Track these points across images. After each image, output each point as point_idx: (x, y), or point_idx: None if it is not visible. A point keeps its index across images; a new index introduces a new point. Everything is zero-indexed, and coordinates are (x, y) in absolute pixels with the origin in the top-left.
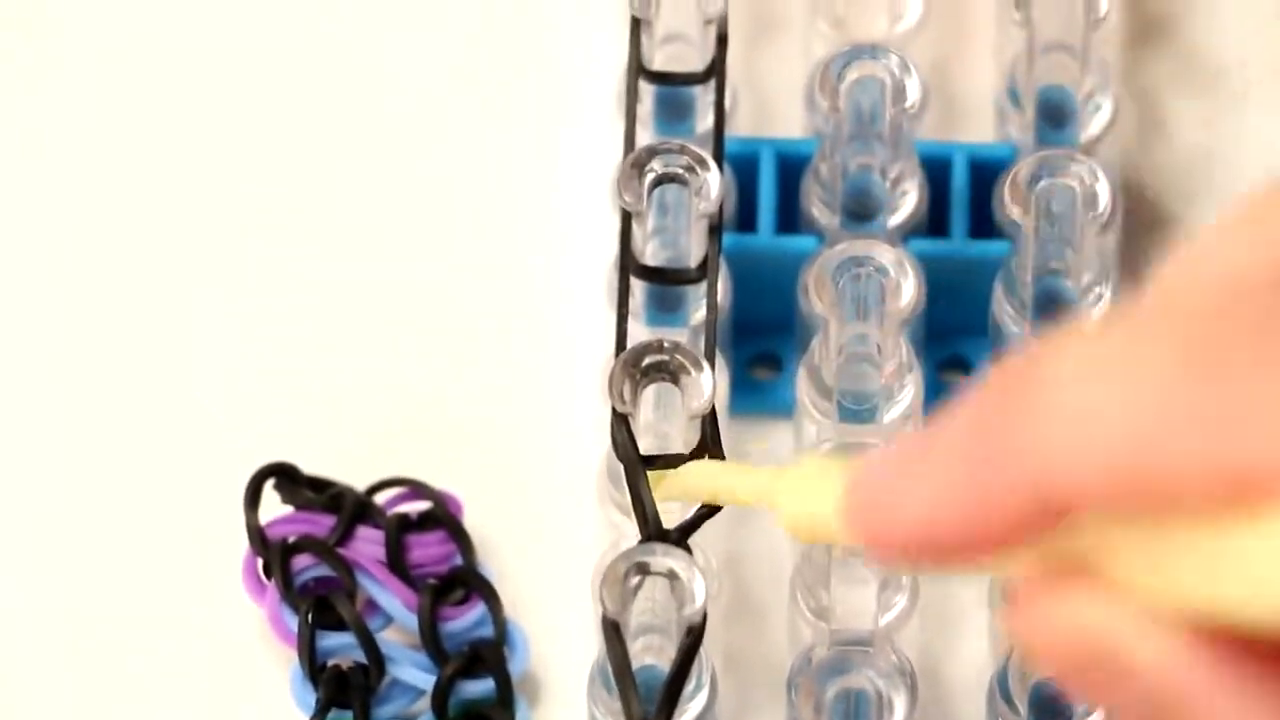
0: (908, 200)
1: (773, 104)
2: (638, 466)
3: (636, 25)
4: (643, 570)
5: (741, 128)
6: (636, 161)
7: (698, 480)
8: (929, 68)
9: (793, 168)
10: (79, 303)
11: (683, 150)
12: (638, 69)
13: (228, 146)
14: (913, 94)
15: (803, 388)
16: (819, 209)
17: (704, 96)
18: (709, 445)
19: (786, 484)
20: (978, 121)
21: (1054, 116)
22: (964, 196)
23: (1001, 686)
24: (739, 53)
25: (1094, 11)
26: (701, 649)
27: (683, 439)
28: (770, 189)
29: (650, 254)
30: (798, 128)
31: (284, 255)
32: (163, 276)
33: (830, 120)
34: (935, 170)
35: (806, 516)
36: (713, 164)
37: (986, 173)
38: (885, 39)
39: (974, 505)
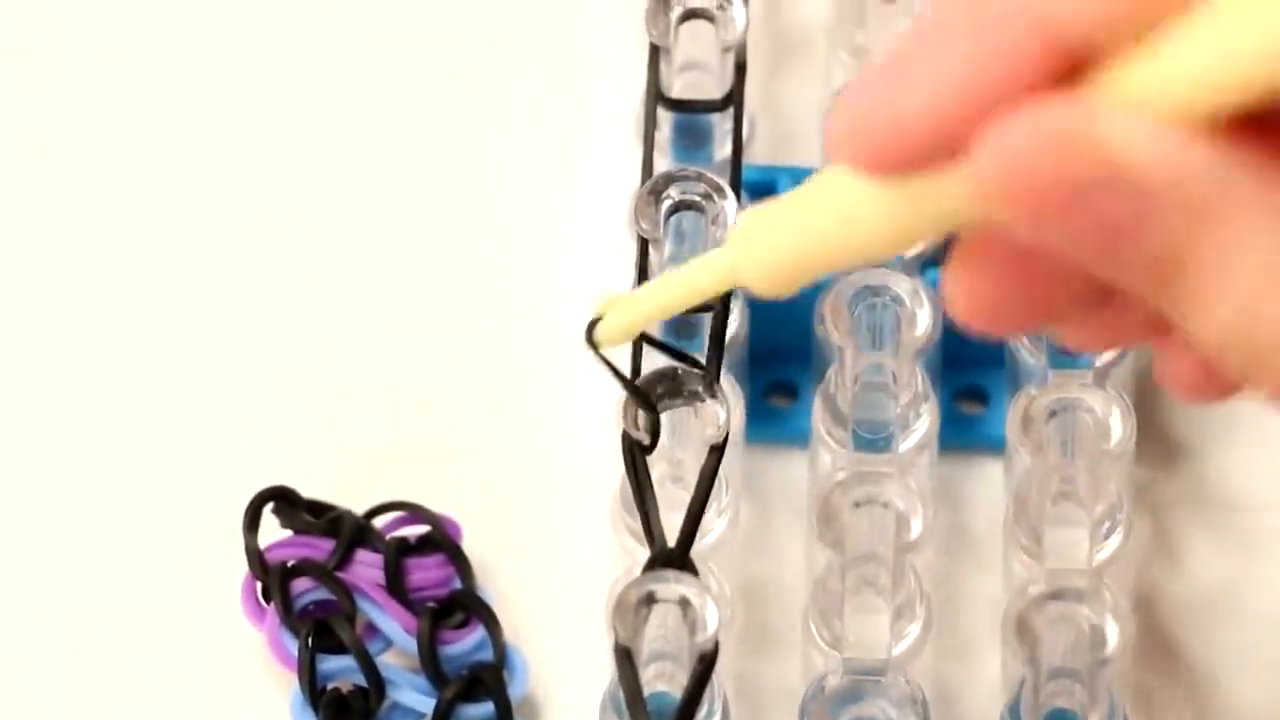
0: None
1: (792, 132)
2: (647, 493)
3: (655, 52)
4: (654, 598)
5: (760, 155)
6: (654, 188)
7: (644, 300)
8: None
9: None
10: (78, 323)
11: (700, 178)
12: (656, 96)
13: (219, 177)
14: None
15: (818, 416)
16: None
17: (722, 124)
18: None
19: (737, 244)
20: None
21: None
22: None
23: (1014, 717)
24: (758, 80)
25: None
26: (714, 676)
27: (697, 465)
28: None
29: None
30: (816, 156)
31: (284, 280)
32: (161, 300)
33: None
34: None
35: (777, 258)
36: (729, 192)
37: None
38: None
39: (984, 65)
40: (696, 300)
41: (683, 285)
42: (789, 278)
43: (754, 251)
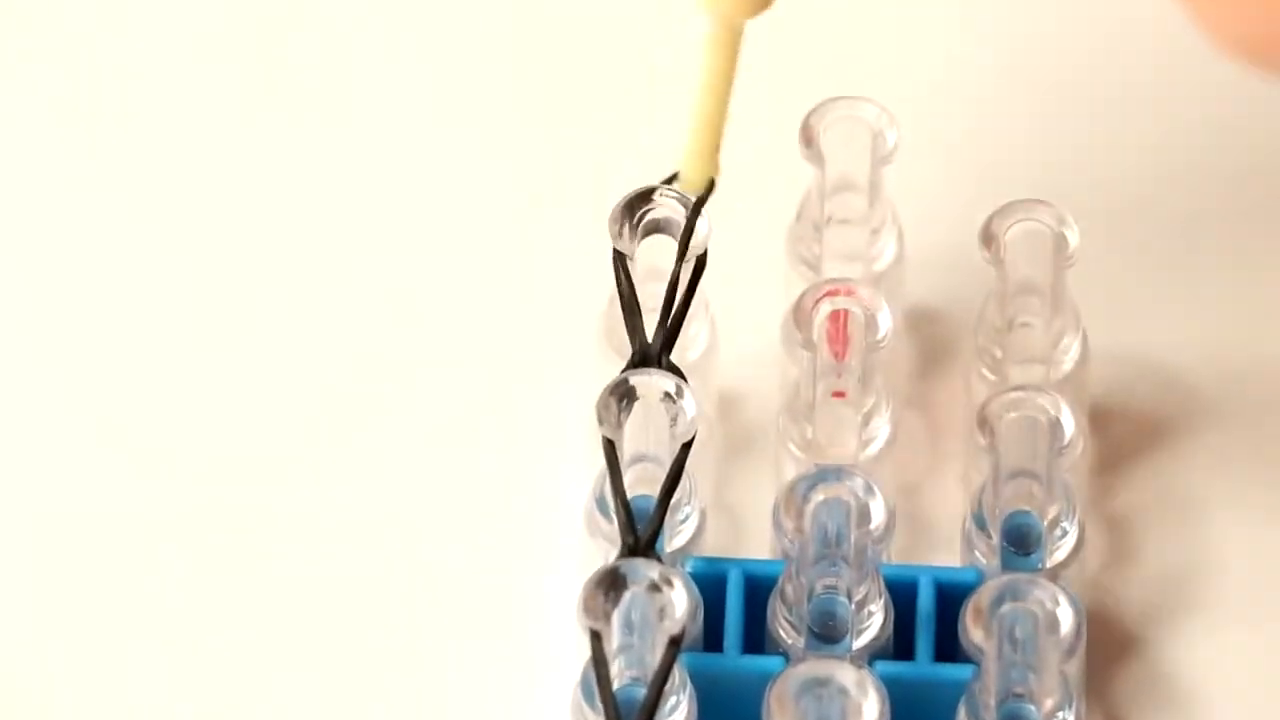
0: (873, 622)
1: (743, 524)
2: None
3: (611, 447)
4: None
5: (710, 548)
6: (601, 580)
7: (705, 120)
8: (897, 491)
9: (760, 588)
10: None
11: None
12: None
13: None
14: (877, 516)
15: None
16: (784, 629)
17: (673, 516)
18: None
19: None
20: (945, 545)
21: (1020, 542)
22: (929, 619)
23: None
24: (709, 475)
25: (1059, 439)
26: None
27: None
28: (737, 609)
29: (616, 672)
30: (767, 549)
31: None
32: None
33: (795, 542)
34: (901, 592)
35: None
36: (677, 581)
37: (952, 596)
38: (854, 462)
39: None
40: (734, 77)
41: (712, 81)
42: None
43: None
